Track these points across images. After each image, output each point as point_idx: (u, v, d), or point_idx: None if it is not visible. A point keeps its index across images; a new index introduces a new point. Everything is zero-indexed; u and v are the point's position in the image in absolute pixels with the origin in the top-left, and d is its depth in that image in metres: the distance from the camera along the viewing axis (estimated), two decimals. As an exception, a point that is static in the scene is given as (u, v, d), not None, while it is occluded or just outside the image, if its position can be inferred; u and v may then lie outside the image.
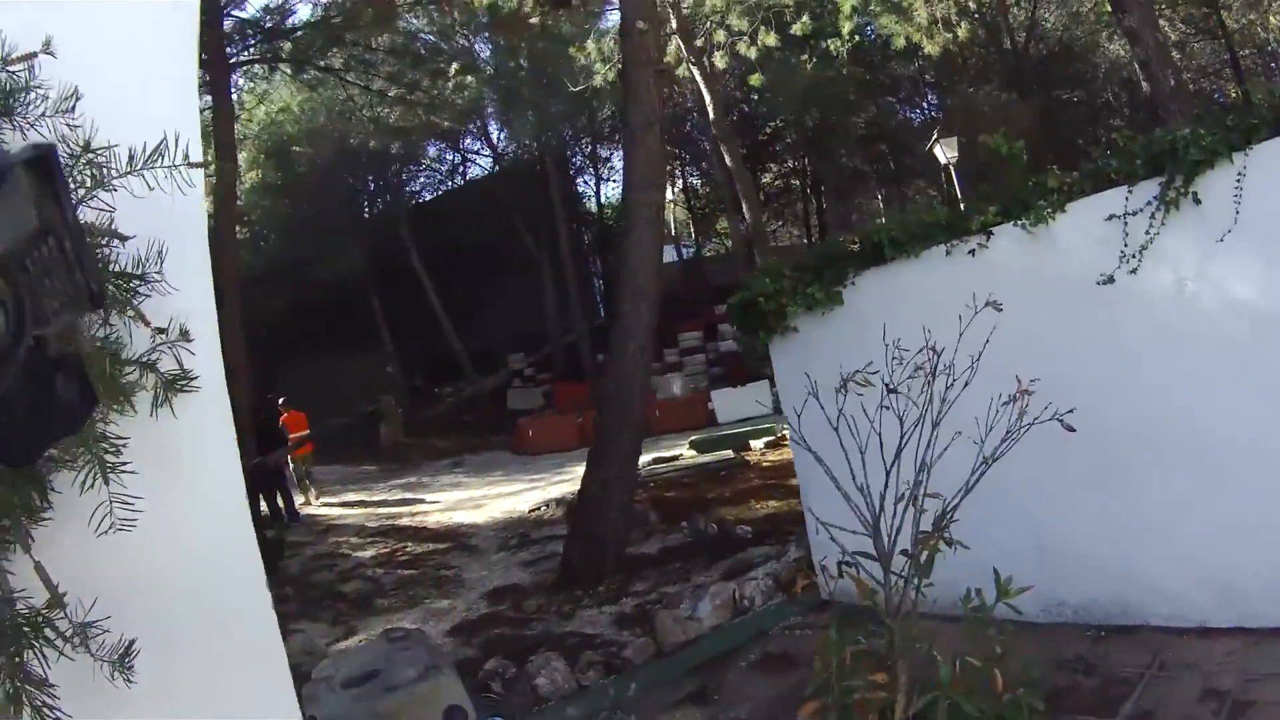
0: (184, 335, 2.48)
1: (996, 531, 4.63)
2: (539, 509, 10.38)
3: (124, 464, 2.22)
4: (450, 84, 14.44)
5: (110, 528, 2.23)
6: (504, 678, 4.97)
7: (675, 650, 5.49)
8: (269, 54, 12.42)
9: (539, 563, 7.92)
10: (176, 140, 2.27)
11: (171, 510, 2.47)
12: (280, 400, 13.90)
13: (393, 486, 14.83)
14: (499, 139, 24.47)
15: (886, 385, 3.17)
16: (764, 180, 26.31)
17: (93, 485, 2.31)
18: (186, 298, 2.51)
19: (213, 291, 2.62)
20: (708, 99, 15.43)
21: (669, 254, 30.63)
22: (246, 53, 12.19)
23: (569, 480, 13.03)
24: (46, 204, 2.26)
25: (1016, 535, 4.74)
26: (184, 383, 2.48)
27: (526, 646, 5.66)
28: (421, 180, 26.15)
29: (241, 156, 18.99)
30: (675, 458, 12.72)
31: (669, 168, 27.50)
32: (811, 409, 4.96)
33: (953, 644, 3.00)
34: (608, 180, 27.70)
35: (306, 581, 8.27)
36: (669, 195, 31.36)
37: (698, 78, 15.19)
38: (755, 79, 15.30)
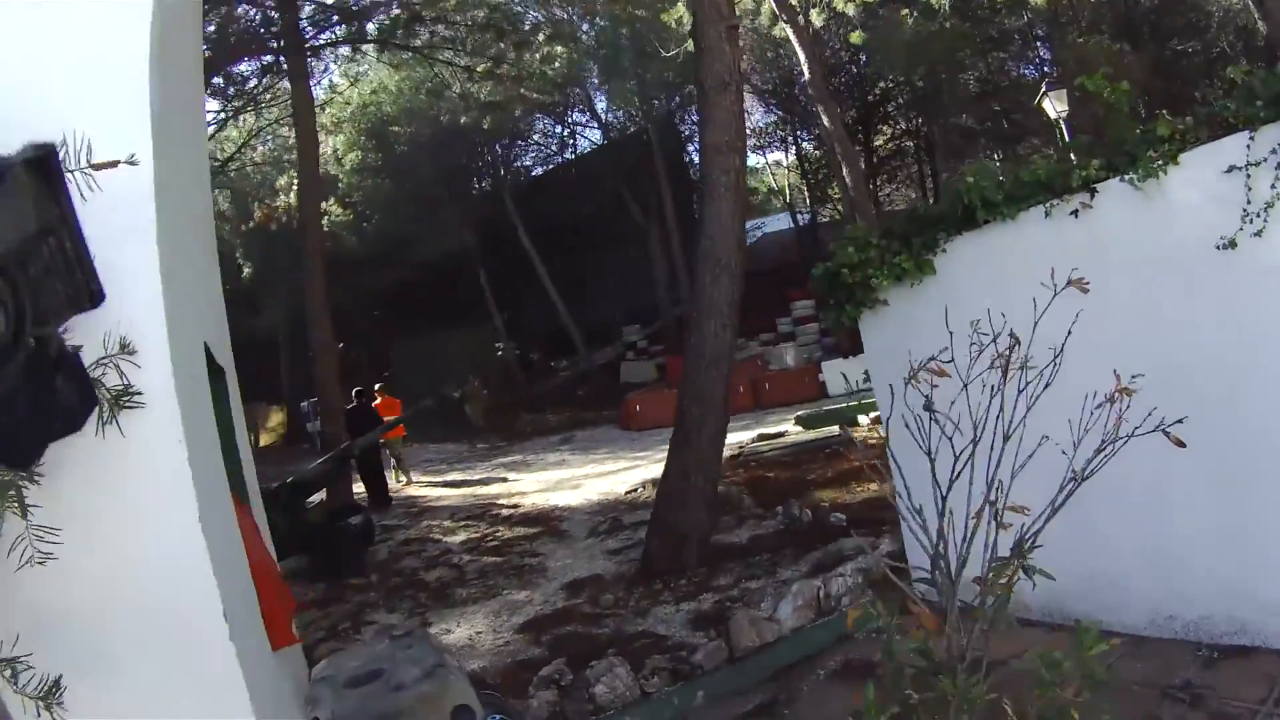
0: (124, 348, 2.29)
1: (1101, 533, 4.04)
2: (635, 490, 10.13)
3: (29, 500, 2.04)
4: (538, 56, 14.19)
5: (28, 562, 2.07)
6: (560, 684, 4.72)
7: (749, 655, 5.10)
8: (353, 35, 12.54)
9: (625, 551, 7.65)
10: (78, 141, 2.07)
11: (118, 536, 2.29)
12: (377, 386, 14.29)
13: (497, 465, 14.98)
14: (604, 112, 24.20)
15: (929, 408, 2.63)
16: (876, 143, 24.95)
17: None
18: (129, 308, 2.30)
19: (162, 300, 2.41)
20: (803, 58, 14.50)
21: (784, 222, 29.69)
22: (330, 34, 12.34)
23: (670, 459, 12.79)
24: (46, 204, 2.11)
25: (1124, 539, 4.16)
26: (128, 398, 2.28)
27: (595, 646, 5.40)
28: (531, 155, 26.15)
29: (338, 140, 19.53)
30: (780, 434, 12.19)
31: (781, 133, 26.57)
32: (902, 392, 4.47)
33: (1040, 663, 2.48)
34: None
35: (392, 569, 8.32)
36: (783, 161, 30.35)
37: (791, 36, 14.31)
38: (856, 36, 14.34)
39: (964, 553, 2.55)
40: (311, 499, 9.11)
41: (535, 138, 25.67)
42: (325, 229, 20.66)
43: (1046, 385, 2.62)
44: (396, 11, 11.77)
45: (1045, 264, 4.42)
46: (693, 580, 6.39)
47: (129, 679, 2.24)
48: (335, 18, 11.66)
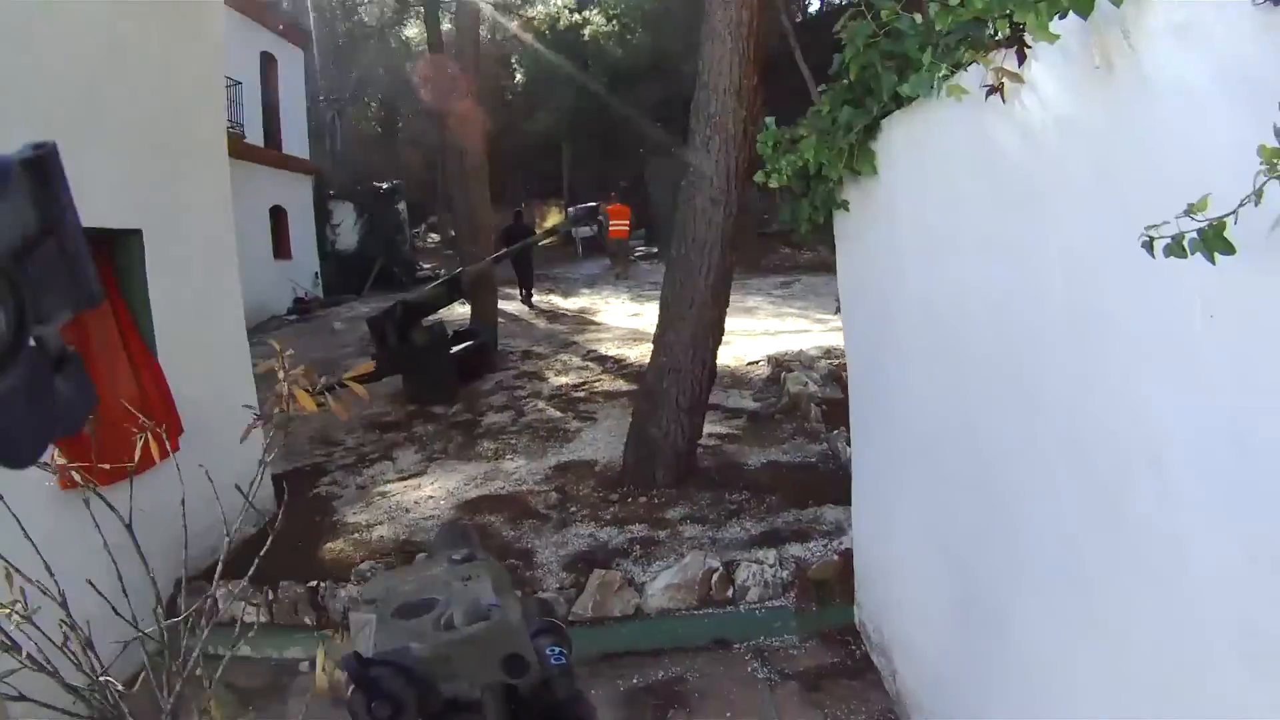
0: None
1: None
2: (759, 362, 8.86)
3: None
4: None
5: None
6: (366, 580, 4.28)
7: (594, 623, 4.21)
8: None
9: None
10: None
11: None
12: (611, 194, 17.81)
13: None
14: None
15: None
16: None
17: None
18: None
19: None
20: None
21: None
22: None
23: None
24: (46, 204, 2.00)
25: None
26: None
27: (495, 546, 4.84)
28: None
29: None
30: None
31: None
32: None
33: None
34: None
35: (478, 402, 8.24)
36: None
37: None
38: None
39: None
40: (428, 319, 9.17)
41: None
42: (585, 39, 19.99)
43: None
44: None
45: (967, 173, 2.63)
46: (654, 500, 5.39)
47: None
48: None
